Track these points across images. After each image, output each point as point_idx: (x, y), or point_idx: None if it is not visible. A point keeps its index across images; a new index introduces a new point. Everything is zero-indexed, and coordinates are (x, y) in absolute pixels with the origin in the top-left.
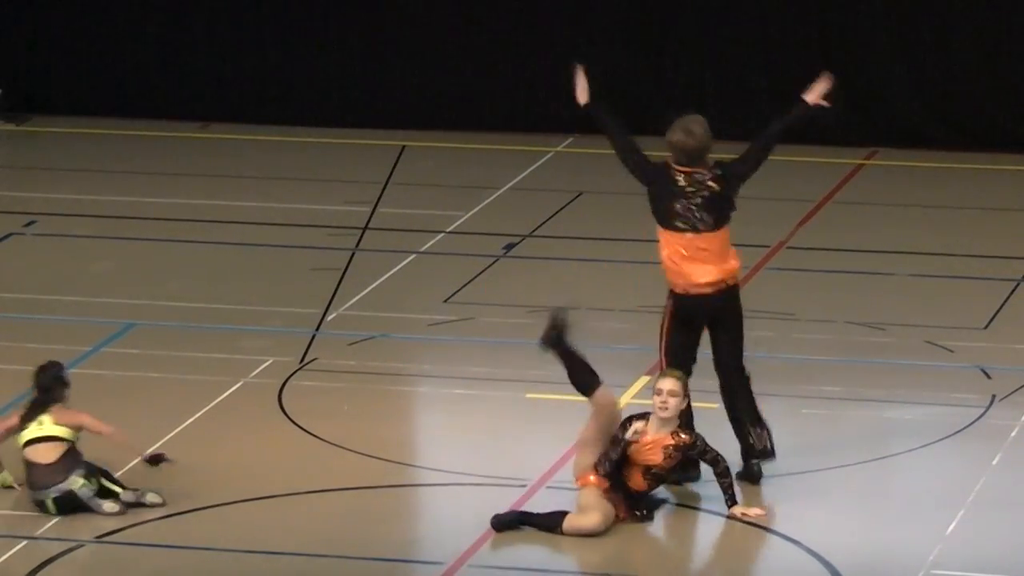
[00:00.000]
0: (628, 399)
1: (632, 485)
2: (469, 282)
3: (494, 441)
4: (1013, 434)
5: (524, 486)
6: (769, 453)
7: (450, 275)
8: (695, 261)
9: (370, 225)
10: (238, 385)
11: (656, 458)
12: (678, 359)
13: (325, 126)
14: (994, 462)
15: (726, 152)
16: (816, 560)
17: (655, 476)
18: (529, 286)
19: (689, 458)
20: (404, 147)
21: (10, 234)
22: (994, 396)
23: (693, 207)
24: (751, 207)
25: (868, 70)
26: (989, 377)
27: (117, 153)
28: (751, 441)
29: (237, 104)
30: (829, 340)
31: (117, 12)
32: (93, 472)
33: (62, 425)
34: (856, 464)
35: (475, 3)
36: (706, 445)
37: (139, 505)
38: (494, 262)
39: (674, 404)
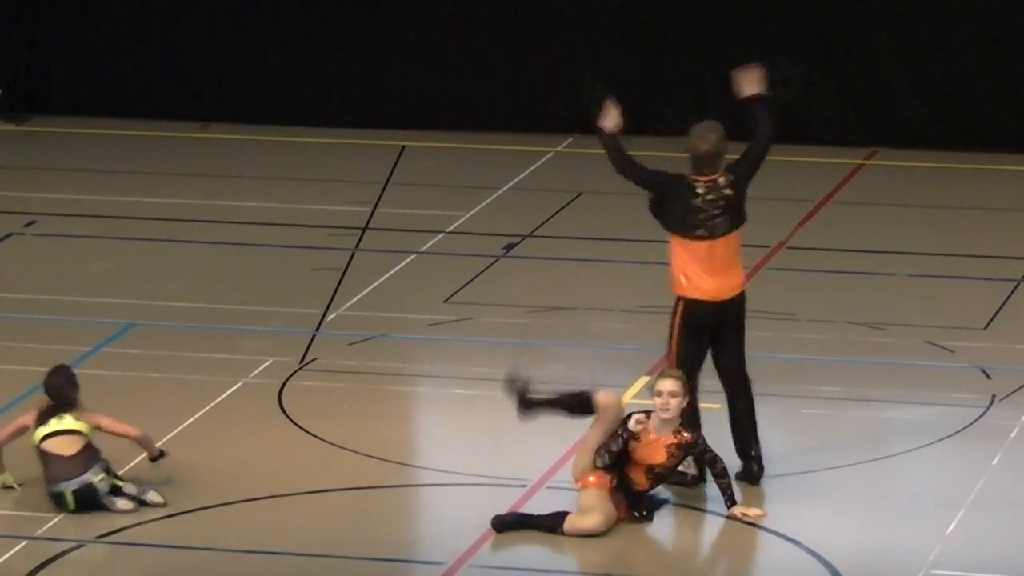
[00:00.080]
0: (628, 399)
1: (634, 483)
2: (469, 282)
3: (494, 441)
4: (1013, 434)
5: (524, 486)
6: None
7: (450, 275)
8: (712, 267)
9: (370, 225)
10: (238, 385)
11: (659, 457)
12: (688, 366)
13: (325, 126)
14: (994, 462)
15: (728, 152)
16: (816, 560)
17: (657, 475)
18: (529, 286)
19: (691, 456)
20: (404, 147)
21: (10, 234)
22: (994, 396)
23: (714, 213)
24: (751, 207)
25: (868, 70)
26: (989, 377)
27: (117, 153)
28: (751, 448)
29: (237, 104)
30: (829, 340)
31: (117, 12)
32: (110, 468)
33: (81, 422)
34: (856, 464)
35: (475, 3)
36: (706, 445)
37: (141, 503)
38: (494, 262)
39: (675, 404)
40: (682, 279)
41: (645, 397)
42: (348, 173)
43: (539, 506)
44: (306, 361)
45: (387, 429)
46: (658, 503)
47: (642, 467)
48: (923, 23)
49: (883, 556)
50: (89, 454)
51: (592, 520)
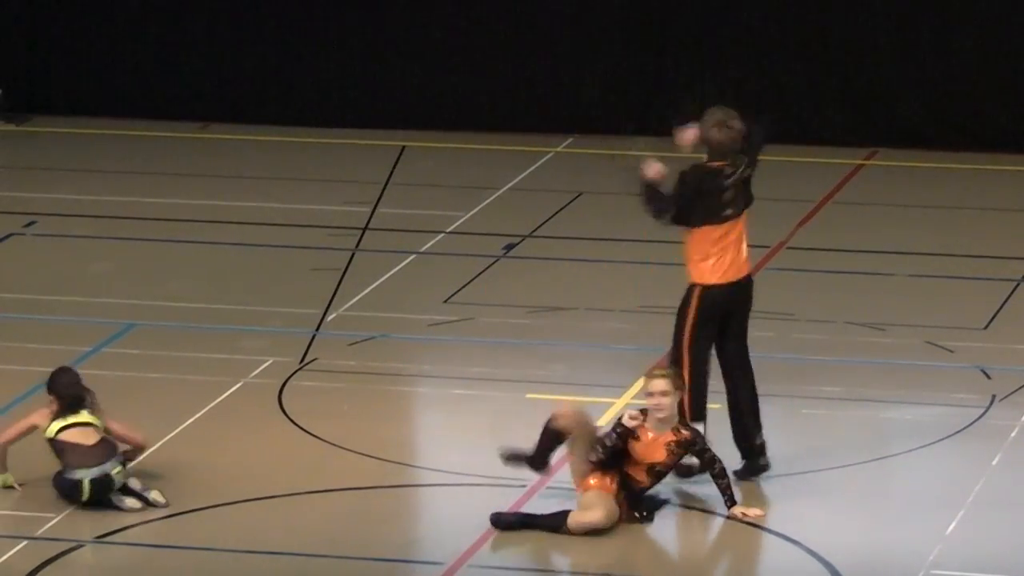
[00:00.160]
0: (628, 399)
1: (636, 482)
2: (469, 282)
3: (494, 441)
4: (1013, 434)
5: (524, 486)
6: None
7: (450, 275)
8: (737, 246)
9: (370, 225)
10: (238, 385)
11: (659, 456)
12: (703, 353)
13: (325, 126)
14: (994, 462)
15: None
16: (816, 560)
17: (658, 473)
18: (529, 286)
19: (692, 455)
20: (404, 147)
21: (10, 234)
22: (994, 396)
23: (738, 194)
24: (752, 207)
25: (868, 70)
26: (989, 377)
27: (117, 153)
28: (755, 437)
29: (237, 104)
30: (829, 340)
31: (117, 12)
32: (126, 463)
33: (96, 416)
34: (856, 464)
35: (475, 3)
36: (705, 443)
37: (146, 502)
38: (494, 262)
39: (668, 403)
40: (708, 263)
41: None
42: (348, 173)
43: (539, 507)
44: (306, 361)
45: (387, 429)
46: (658, 503)
47: (643, 466)
48: (923, 23)
49: (883, 556)
50: (107, 446)
51: (595, 514)
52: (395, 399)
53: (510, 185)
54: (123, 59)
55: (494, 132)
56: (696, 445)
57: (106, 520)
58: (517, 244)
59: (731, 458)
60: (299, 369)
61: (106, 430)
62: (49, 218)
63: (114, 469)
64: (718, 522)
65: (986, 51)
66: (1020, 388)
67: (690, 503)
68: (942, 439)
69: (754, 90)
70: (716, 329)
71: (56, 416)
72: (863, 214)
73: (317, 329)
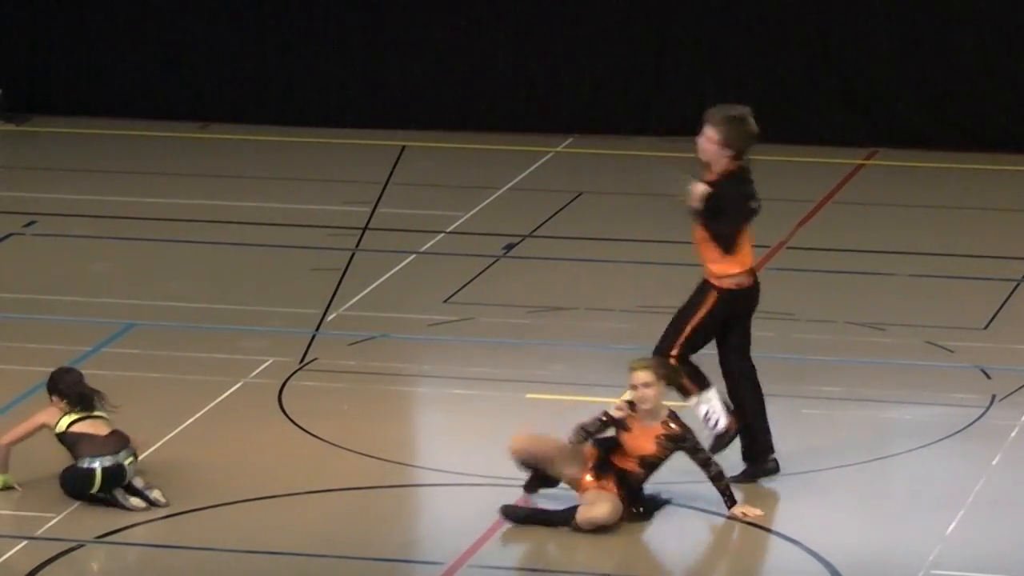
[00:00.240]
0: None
1: (629, 474)
2: (469, 282)
3: (494, 441)
4: (1013, 434)
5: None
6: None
7: (450, 275)
8: (748, 242)
9: (370, 225)
10: (238, 385)
11: (650, 448)
12: (695, 350)
13: (325, 126)
14: (994, 462)
15: None
16: (816, 560)
17: (651, 464)
18: (529, 286)
19: (684, 452)
20: (404, 147)
21: (10, 234)
22: (994, 396)
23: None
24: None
25: (868, 70)
26: (989, 377)
27: (117, 153)
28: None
29: (237, 104)
30: (829, 340)
31: (117, 12)
32: (136, 455)
33: (105, 412)
34: (856, 464)
35: (475, 3)
36: (697, 443)
37: (146, 501)
38: (494, 262)
39: (652, 395)
40: (732, 266)
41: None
42: (348, 173)
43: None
44: (306, 361)
45: (387, 429)
46: (659, 503)
47: (634, 458)
48: (923, 23)
49: (883, 556)
50: (120, 437)
51: (602, 509)
52: (395, 399)
53: (510, 185)
54: (123, 59)
55: (494, 132)
56: (687, 441)
57: (106, 520)
58: (517, 244)
59: (732, 458)
60: (299, 369)
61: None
62: (49, 218)
63: (126, 459)
64: (718, 522)
65: (986, 51)
66: (1020, 388)
67: (690, 503)
68: (942, 439)
69: (754, 90)
70: (716, 330)
71: (65, 413)
72: (863, 214)
73: (317, 329)
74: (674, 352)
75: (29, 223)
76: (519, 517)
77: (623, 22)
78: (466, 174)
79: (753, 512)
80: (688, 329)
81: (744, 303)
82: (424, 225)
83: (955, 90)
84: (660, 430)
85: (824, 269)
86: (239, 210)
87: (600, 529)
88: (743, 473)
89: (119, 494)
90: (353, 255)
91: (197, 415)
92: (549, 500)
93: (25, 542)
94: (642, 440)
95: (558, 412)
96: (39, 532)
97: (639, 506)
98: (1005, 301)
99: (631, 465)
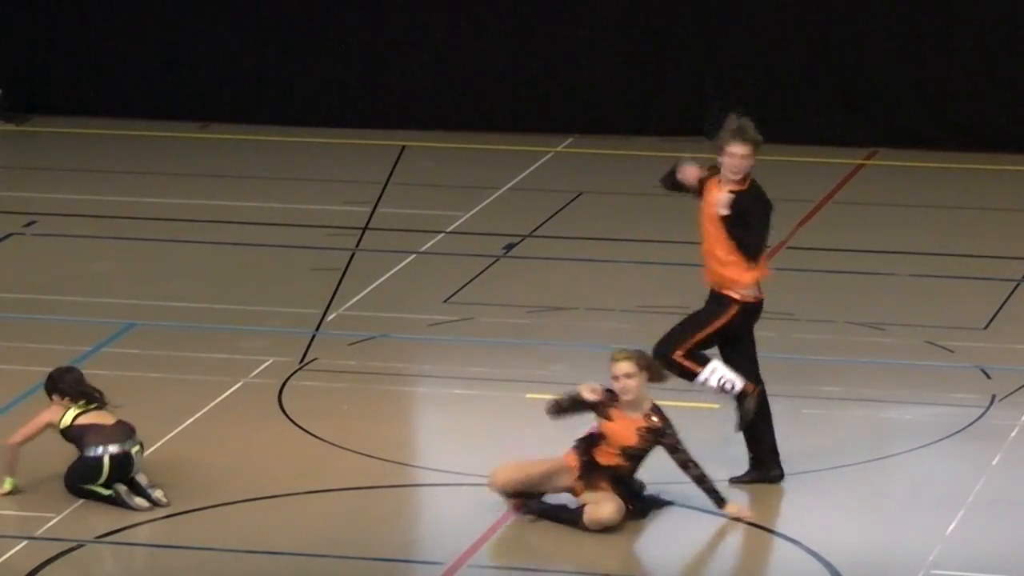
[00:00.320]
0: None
1: (617, 468)
2: (469, 282)
3: (494, 441)
4: (1013, 434)
5: None
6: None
7: (450, 275)
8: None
9: (370, 225)
10: (238, 385)
11: (631, 439)
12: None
13: (325, 126)
14: (994, 462)
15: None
16: (816, 560)
17: (634, 456)
18: (529, 286)
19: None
20: (404, 147)
21: (10, 234)
22: (994, 396)
23: None
24: None
25: (868, 70)
26: (989, 377)
27: (117, 153)
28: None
29: (237, 104)
30: (829, 340)
31: (117, 12)
32: (143, 445)
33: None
34: (856, 464)
35: (475, 3)
36: (677, 442)
37: (147, 499)
38: (494, 262)
39: (634, 385)
40: (749, 274)
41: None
42: (348, 173)
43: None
44: (306, 361)
45: (387, 429)
46: (660, 504)
47: (617, 449)
48: (923, 23)
49: (883, 556)
50: (125, 426)
51: (607, 509)
52: (395, 399)
53: (510, 185)
54: (123, 59)
55: (494, 132)
56: (667, 437)
57: (106, 520)
58: (517, 244)
59: (734, 460)
60: (299, 369)
61: None
62: (49, 218)
63: (133, 448)
64: (718, 522)
65: (986, 51)
66: (1020, 388)
67: (690, 503)
68: (942, 439)
69: (754, 90)
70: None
71: (68, 408)
72: (863, 214)
73: (317, 329)
74: (679, 354)
75: (29, 223)
76: (531, 510)
77: (623, 22)
78: (466, 174)
79: (744, 512)
80: (699, 336)
81: (756, 315)
82: (424, 225)
83: (955, 90)
84: (642, 422)
85: (824, 269)
86: (239, 210)
87: (606, 529)
88: (746, 474)
89: (124, 493)
90: (353, 255)
91: (197, 415)
92: (558, 498)
93: (25, 542)
94: (624, 431)
95: None
96: (39, 532)
97: (634, 501)
98: (1005, 301)
99: (616, 460)
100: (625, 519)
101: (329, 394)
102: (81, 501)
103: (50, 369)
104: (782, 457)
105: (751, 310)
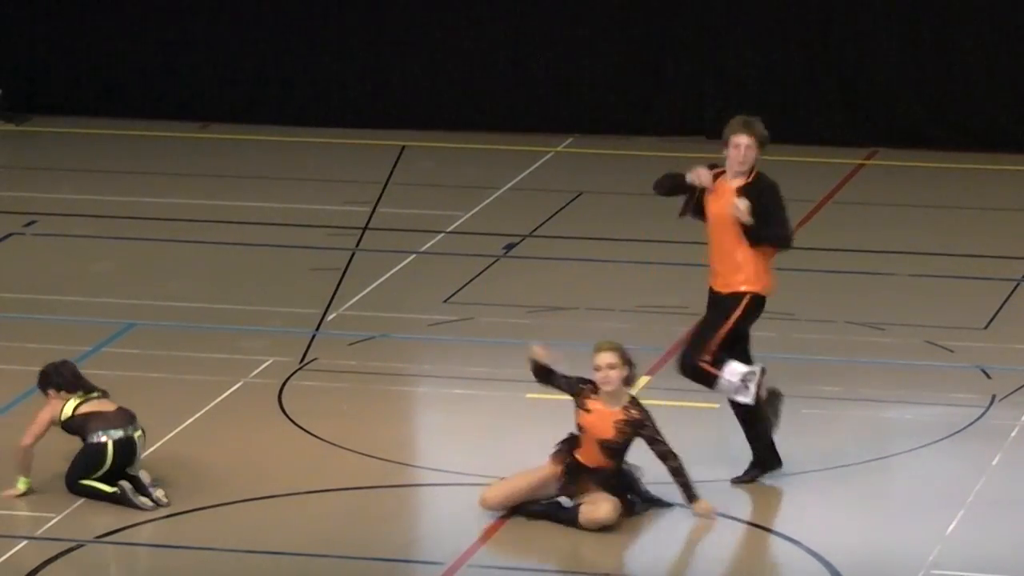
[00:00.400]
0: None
1: (593, 460)
2: (469, 282)
3: (494, 441)
4: (1013, 434)
5: None
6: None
7: (450, 275)
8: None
9: (370, 225)
10: (238, 385)
11: (609, 432)
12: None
13: (325, 126)
14: (994, 462)
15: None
16: (816, 560)
17: (613, 450)
18: (529, 286)
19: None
20: (404, 147)
21: (10, 234)
22: (994, 396)
23: None
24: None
25: (868, 70)
26: (989, 377)
27: (117, 153)
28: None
29: (237, 104)
30: (829, 340)
31: (117, 12)
32: (144, 431)
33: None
34: (856, 464)
35: (475, 3)
36: (656, 433)
37: (148, 497)
38: (494, 262)
39: (616, 376)
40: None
41: (643, 397)
42: (348, 173)
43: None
44: (306, 361)
45: (387, 429)
46: (660, 505)
47: (593, 442)
48: (923, 23)
49: (883, 556)
50: (127, 413)
51: (603, 509)
52: (395, 399)
53: (510, 185)
54: (123, 59)
55: (494, 132)
56: (646, 428)
57: (106, 520)
58: (517, 244)
59: (734, 460)
60: (299, 369)
61: None
62: (49, 218)
63: (136, 434)
64: (719, 522)
65: (986, 51)
66: (1020, 388)
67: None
68: (942, 439)
69: (754, 90)
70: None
71: (67, 400)
72: (863, 214)
73: (317, 329)
74: (707, 359)
75: (29, 223)
76: (531, 512)
77: (623, 22)
78: (466, 174)
79: (712, 513)
80: (720, 336)
81: (761, 310)
82: (424, 225)
83: (955, 90)
84: (620, 415)
85: (824, 269)
86: (239, 210)
87: (604, 528)
88: (747, 473)
89: (129, 491)
90: (353, 255)
91: (197, 415)
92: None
93: (26, 542)
94: (601, 423)
95: (558, 412)
96: (39, 532)
97: (628, 495)
98: (1005, 301)
99: (597, 459)
100: (623, 516)
101: (329, 394)
102: (81, 501)
103: None
104: (783, 457)
105: (760, 302)
